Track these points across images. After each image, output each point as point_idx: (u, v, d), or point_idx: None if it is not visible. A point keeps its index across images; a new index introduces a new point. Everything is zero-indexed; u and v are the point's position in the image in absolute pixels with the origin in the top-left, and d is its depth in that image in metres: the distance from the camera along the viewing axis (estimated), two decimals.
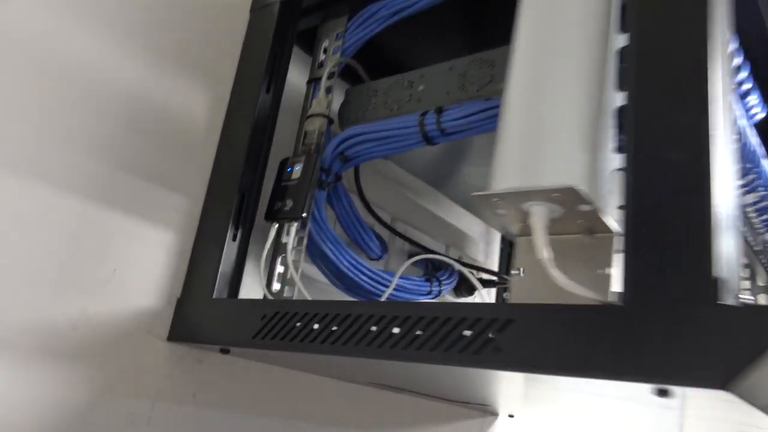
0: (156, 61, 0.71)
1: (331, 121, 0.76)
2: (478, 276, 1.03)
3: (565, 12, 0.51)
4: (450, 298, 1.01)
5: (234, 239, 0.70)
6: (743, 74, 0.61)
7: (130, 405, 0.65)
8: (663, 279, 0.40)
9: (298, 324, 0.57)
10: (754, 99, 0.63)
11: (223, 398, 0.73)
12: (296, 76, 0.83)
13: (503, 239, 1.27)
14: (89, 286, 0.63)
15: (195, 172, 0.73)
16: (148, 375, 0.66)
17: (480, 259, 1.22)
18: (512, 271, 0.52)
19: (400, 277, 0.81)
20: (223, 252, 0.68)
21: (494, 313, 0.45)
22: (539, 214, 0.45)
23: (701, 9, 0.45)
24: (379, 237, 0.85)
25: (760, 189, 0.67)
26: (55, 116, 0.62)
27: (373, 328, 0.52)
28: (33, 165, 0.59)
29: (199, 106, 0.75)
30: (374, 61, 0.85)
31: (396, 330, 0.50)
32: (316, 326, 0.56)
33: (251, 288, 0.75)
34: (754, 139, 0.64)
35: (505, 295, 1.23)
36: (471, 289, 1.03)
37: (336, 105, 0.82)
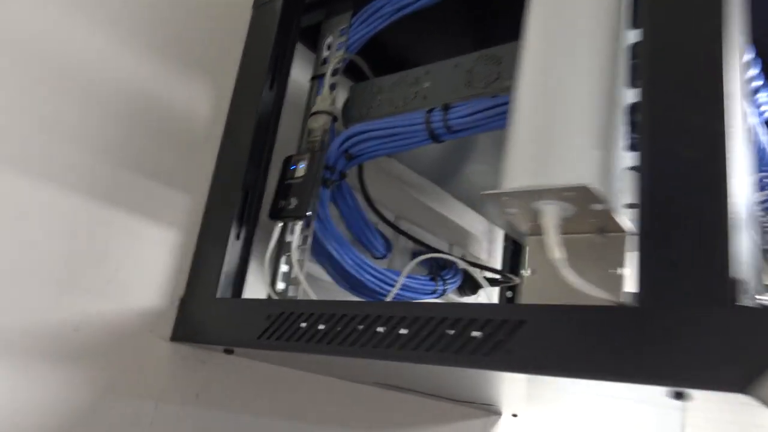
0: (158, 59, 0.70)
1: (335, 119, 0.75)
2: (482, 275, 1.02)
3: (575, 7, 0.50)
4: (454, 297, 1.00)
5: (237, 238, 0.69)
6: (754, 71, 0.60)
7: (133, 406, 0.64)
8: (678, 280, 0.39)
9: (304, 324, 0.56)
10: (764, 96, 0.63)
11: (226, 399, 0.72)
12: (299, 73, 0.82)
13: (506, 237, 1.26)
14: (91, 286, 0.62)
15: (198, 170, 0.72)
16: (152, 375, 0.66)
17: (483, 258, 1.22)
18: (523, 271, 0.51)
19: (406, 276, 0.80)
20: (227, 251, 0.67)
21: (505, 314, 0.45)
22: (551, 214, 0.45)
23: (715, 2, 0.44)
24: (383, 235, 0.85)
25: None
26: (57, 114, 0.61)
27: (381, 329, 0.51)
28: (34, 163, 0.59)
29: (201, 103, 0.74)
30: (378, 58, 0.84)
31: (404, 331, 0.50)
32: (321, 327, 0.55)
33: (254, 287, 0.74)
34: (764, 137, 0.63)
35: (508, 293, 1.23)
36: (475, 288, 1.03)
37: (339, 102, 0.82)
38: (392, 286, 0.78)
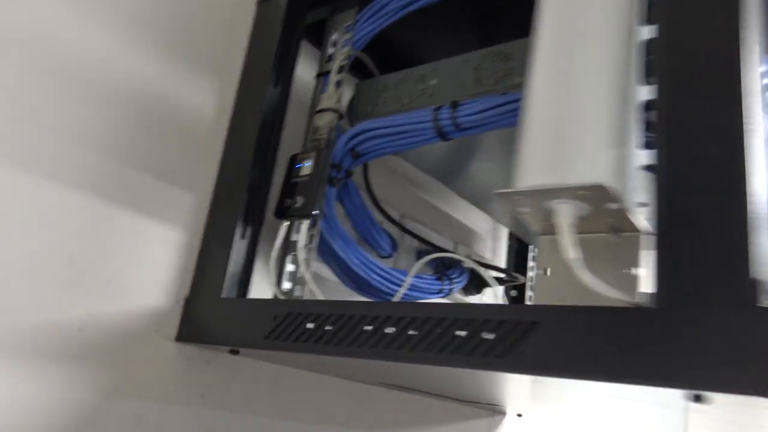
0: (162, 56, 0.69)
1: (341, 116, 0.74)
2: (479, 273, 1.01)
3: (587, 3, 0.50)
4: (459, 296, 0.99)
5: (243, 237, 0.68)
6: (765, 67, 0.59)
7: (138, 407, 0.63)
8: (697, 280, 0.39)
9: (312, 325, 0.55)
10: None
11: (231, 399, 0.71)
12: (303, 70, 0.81)
13: (511, 236, 1.26)
14: (96, 285, 0.61)
15: (202, 169, 0.71)
16: (157, 376, 0.65)
17: (487, 256, 1.21)
18: (536, 271, 0.51)
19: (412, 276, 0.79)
20: (232, 250, 0.67)
21: (519, 314, 0.44)
22: (565, 213, 0.44)
23: None
24: (388, 234, 0.84)
25: None
26: (60, 112, 0.60)
27: (390, 330, 0.50)
28: (39, 162, 0.58)
29: (205, 101, 0.73)
30: (382, 55, 0.83)
31: (413, 332, 0.49)
32: (329, 327, 0.54)
33: (259, 287, 0.73)
34: None
35: (512, 292, 1.22)
36: (480, 287, 1.02)
37: (344, 100, 0.81)
38: (398, 285, 0.77)
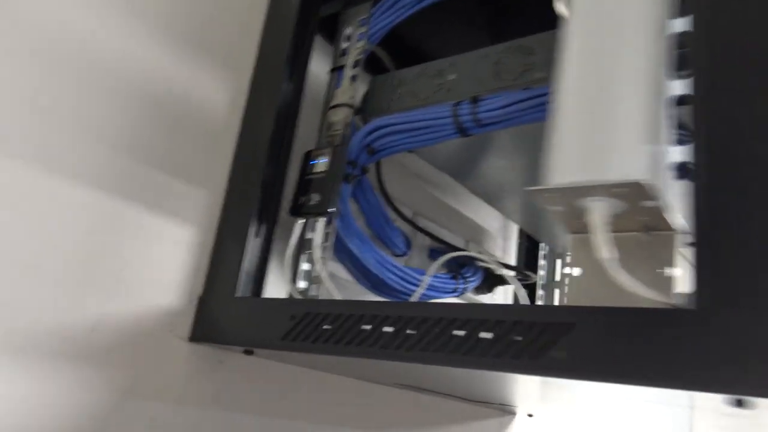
0: (173, 49, 0.67)
1: (357, 112, 0.72)
2: (499, 272, 1.00)
3: None
4: (471, 295, 0.98)
5: (257, 235, 0.67)
6: None
7: (152, 408, 0.62)
8: (741, 281, 0.37)
9: (331, 326, 0.54)
10: None
11: (245, 400, 0.70)
12: (314, 65, 0.79)
13: (521, 234, 1.24)
14: (108, 285, 0.60)
15: (215, 165, 0.70)
16: (170, 377, 0.63)
17: (498, 255, 1.20)
18: (567, 271, 0.49)
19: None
20: (247, 248, 0.65)
21: (552, 316, 0.43)
22: (600, 211, 0.42)
23: None
24: (402, 232, 0.82)
25: None
26: (72, 108, 0.58)
27: (413, 332, 0.49)
28: (49, 159, 0.56)
29: (218, 96, 0.71)
30: (394, 51, 0.82)
31: (435, 333, 0.47)
32: (349, 328, 0.53)
33: (273, 286, 0.72)
34: None
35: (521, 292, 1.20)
36: (492, 286, 1.01)
37: (358, 96, 0.79)
38: (414, 284, 0.76)
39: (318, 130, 0.75)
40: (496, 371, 0.45)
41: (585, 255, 0.47)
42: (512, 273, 0.98)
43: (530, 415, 1.17)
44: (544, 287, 1.19)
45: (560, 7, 0.51)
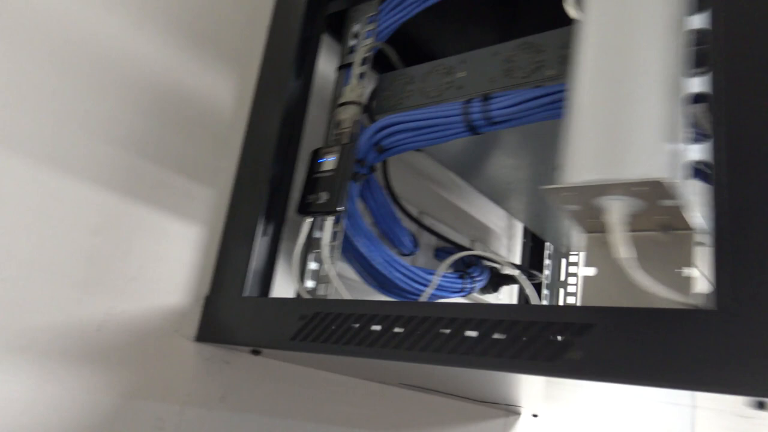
0: (181, 48, 0.66)
1: (365, 109, 0.72)
2: (508, 273, 0.99)
3: None
4: (476, 295, 0.97)
5: (264, 234, 0.66)
6: None
7: (159, 409, 0.61)
8: (763, 280, 0.37)
9: (343, 325, 0.53)
10: None
11: (252, 401, 0.69)
12: (322, 63, 0.79)
13: (525, 234, 1.24)
14: (114, 284, 0.59)
15: (222, 163, 0.69)
16: (177, 377, 0.63)
17: (503, 254, 1.19)
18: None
19: (434, 274, 0.77)
20: (254, 247, 0.64)
21: (569, 316, 0.42)
22: (618, 210, 0.42)
23: None
24: (410, 232, 0.82)
25: None
26: (78, 105, 0.58)
27: (424, 333, 0.48)
28: (56, 157, 0.55)
29: (225, 93, 0.70)
30: (403, 48, 0.81)
31: (445, 331, 0.47)
32: (360, 328, 0.52)
33: (279, 285, 0.71)
34: None
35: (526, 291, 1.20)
36: (497, 286, 1.00)
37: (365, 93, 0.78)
38: (421, 284, 0.75)
39: (325, 128, 0.75)
40: (511, 373, 0.45)
41: (600, 255, 0.46)
42: (510, 271, 0.97)
43: (535, 416, 1.17)
44: (548, 287, 1.18)
45: (571, 9, 0.50)
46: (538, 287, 1.18)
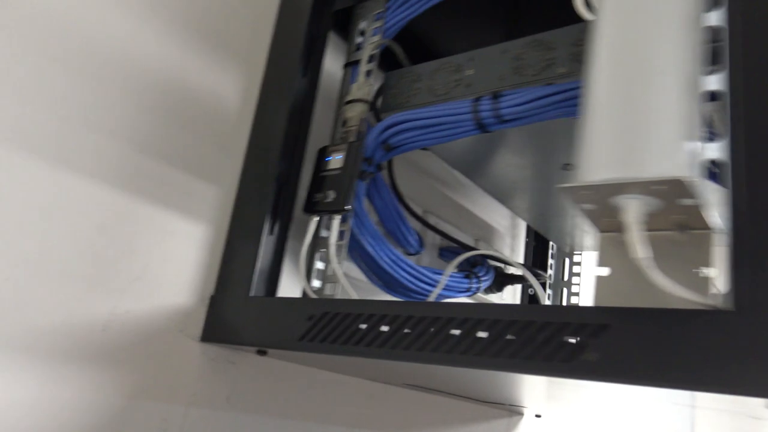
0: (186, 46, 0.66)
1: (372, 107, 0.71)
2: (514, 272, 0.99)
3: None
4: (481, 295, 0.97)
5: (271, 233, 0.65)
6: None
7: (164, 409, 0.60)
8: None
9: (352, 326, 0.52)
10: None
11: (257, 401, 0.68)
12: (328, 60, 0.78)
13: (529, 233, 1.23)
14: (119, 283, 0.58)
15: (227, 161, 0.68)
16: (182, 378, 0.62)
17: (506, 253, 1.18)
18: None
19: (440, 274, 0.76)
20: (260, 246, 0.64)
21: (584, 317, 0.41)
22: (635, 209, 0.41)
23: None
24: (416, 231, 0.81)
25: None
26: (83, 103, 0.57)
27: (435, 333, 0.48)
28: (60, 155, 0.55)
29: (231, 91, 0.70)
30: (409, 45, 0.80)
31: (455, 331, 0.46)
32: (368, 328, 0.52)
33: (285, 284, 0.70)
34: None
35: (530, 290, 1.19)
36: (501, 286, 0.99)
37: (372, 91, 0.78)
38: (428, 284, 0.74)
39: (332, 126, 0.74)
40: (526, 375, 0.44)
41: (615, 254, 0.45)
42: (514, 270, 0.97)
43: (538, 416, 1.16)
44: (552, 286, 1.18)
45: (581, 9, 0.50)
46: (542, 287, 1.18)
